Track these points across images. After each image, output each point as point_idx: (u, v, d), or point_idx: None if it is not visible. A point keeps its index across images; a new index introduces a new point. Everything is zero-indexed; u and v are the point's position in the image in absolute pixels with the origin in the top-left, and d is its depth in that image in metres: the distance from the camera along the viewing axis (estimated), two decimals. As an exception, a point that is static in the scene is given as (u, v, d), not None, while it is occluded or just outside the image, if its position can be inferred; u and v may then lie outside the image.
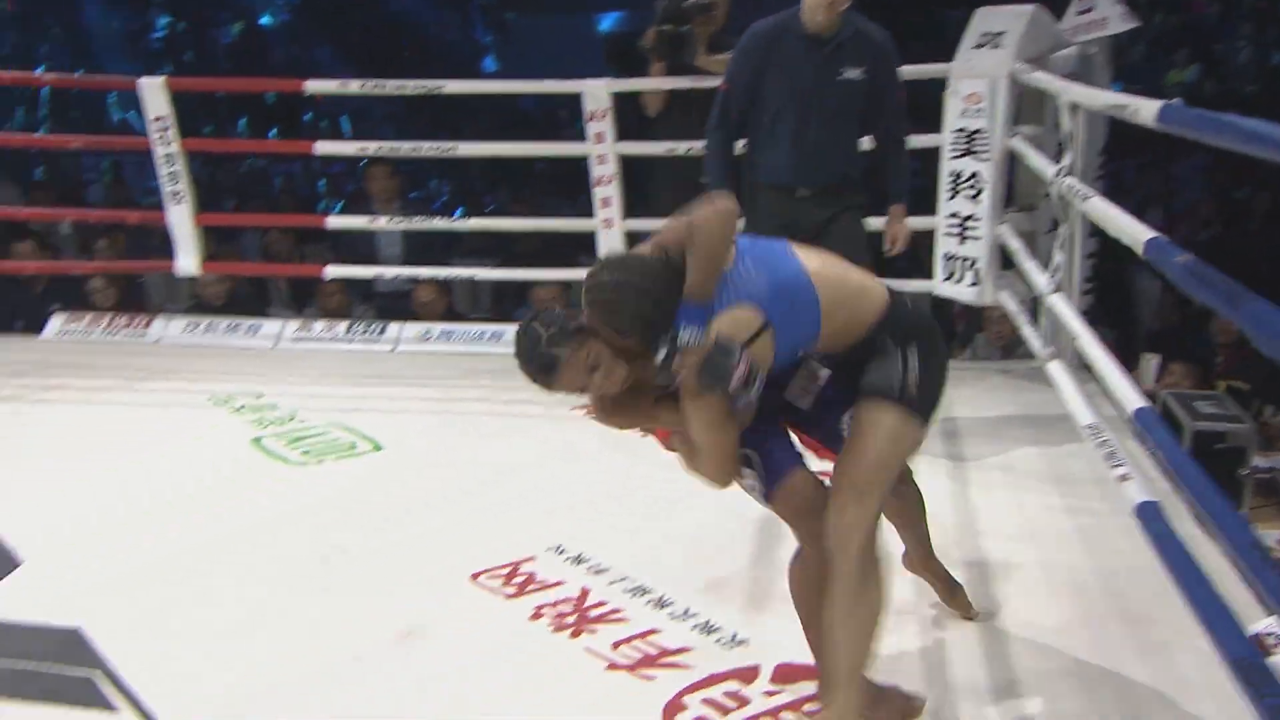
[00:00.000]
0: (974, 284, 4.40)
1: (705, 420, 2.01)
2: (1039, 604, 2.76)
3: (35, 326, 5.94)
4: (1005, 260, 4.41)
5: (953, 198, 4.44)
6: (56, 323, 5.92)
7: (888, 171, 3.85)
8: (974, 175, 4.34)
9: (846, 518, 2.02)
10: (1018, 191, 4.63)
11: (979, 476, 3.66)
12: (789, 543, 3.19)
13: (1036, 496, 3.47)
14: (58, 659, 2.49)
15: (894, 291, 2.15)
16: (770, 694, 2.38)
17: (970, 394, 4.66)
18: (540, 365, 2.08)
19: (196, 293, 6.19)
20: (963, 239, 4.43)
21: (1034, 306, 4.35)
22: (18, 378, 5.06)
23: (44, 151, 10.76)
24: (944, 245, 4.50)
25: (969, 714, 2.32)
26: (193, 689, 2.41)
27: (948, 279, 4.52)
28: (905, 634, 2.59)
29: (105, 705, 2.31)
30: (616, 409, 2.20)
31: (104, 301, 6.02)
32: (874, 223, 3.91)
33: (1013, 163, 4.39)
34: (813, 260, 2.08)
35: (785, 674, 2.46)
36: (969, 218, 4.39)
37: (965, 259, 4.43)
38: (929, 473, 3.48)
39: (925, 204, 4.52)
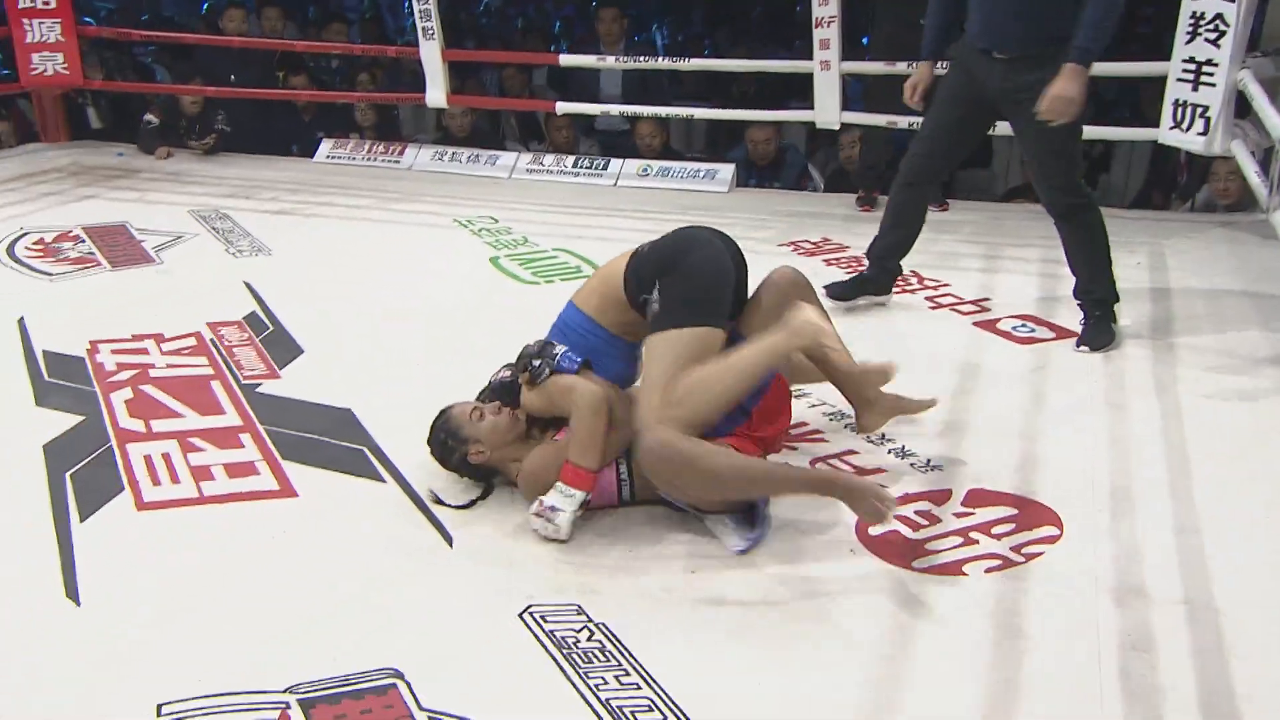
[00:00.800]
0: (1203, 133, 3.96)
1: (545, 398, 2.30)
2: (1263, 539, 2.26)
3: (307, 150, 6.30)
4: (1240, 108, 3.93)
5: (1190, 40, 3.95)
6: (325, 147, 6.25)
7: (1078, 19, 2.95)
8: (1217, 16, 3.83)
9: (640, 408, 2.21)
10: (1264, 35, 4.07)
11: (1189, 365, 3.35)
12: (986, 377, 3.15)
13: (1252, 381, 3.14)
14: (335, 434, 2.73)
15: (635, 251, 2.35)
16: (960, 515, 2.35)
17: (1186, 248, 4.29)
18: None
19: (443, 124, 6.37)
20: (1196, 85, 3.95)
21: (1267, 157, 3.89)
22: (294, 194, 5.41)
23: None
24: (1174, 91, 4.03)
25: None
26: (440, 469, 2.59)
27: (1174, 127, 4.08)
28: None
29: (375, 476, 2.54)
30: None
31: (365, 120, 6.29)
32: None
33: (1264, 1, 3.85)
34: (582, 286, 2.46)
35: (976, 498, 2.42)
36: (1206, 62, 3.90)
37: (1197, 106, 3.97)
38: (1134, 354, 3.26)
39: (1154, 48, 4.06)
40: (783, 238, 4.63)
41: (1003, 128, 3.51)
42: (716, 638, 1.95)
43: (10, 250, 4.36)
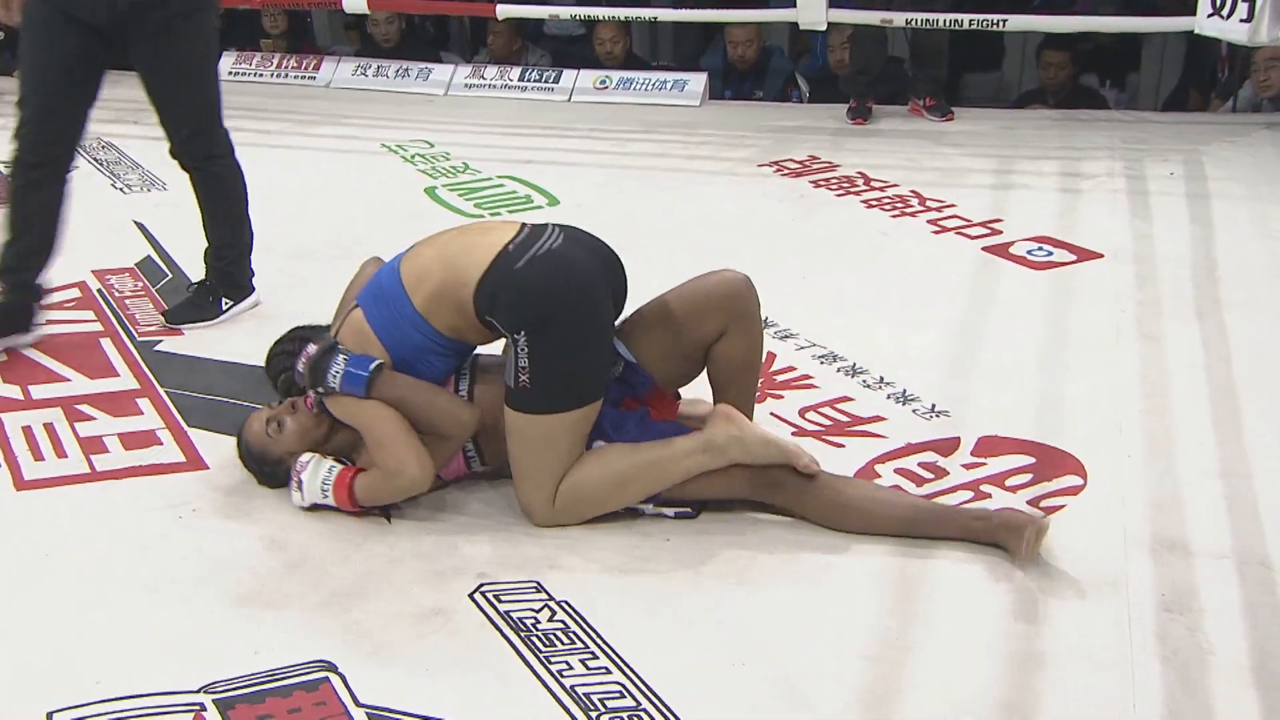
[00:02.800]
0: (1246, 19, 3.94)
1: (349, 415, 2.19)
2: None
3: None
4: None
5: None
6: (227, 62, 6.10)
7: None
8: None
9: (521, 500, 2.20)
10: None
11: (1233, 287, 3.33)
12: (999, 309, 3.15)
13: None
14: (248, 396, 2.67)
15: (504, 253, 2.12)
16: (970, 466, 2.37)
17: (1227, 154, 4.31)
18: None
19: (366, 32, 6.24)
20: (1240, -33, 3.94)
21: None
22: (193, 119, 5.28)
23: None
24: (1215, -25, 4.02)
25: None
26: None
27: (1213, 14, 4.07)
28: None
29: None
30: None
31: (274, 28, 6.15)
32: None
33: None
34: (416, 248, 2.24)
35: (988, 446, 2.43)
36: (1252, -59, 3.88)
37: (1240, -10, 3.95)
38: (1170, 276, 3.26)
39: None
40: (763, 157, 4.61)
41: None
42: (695, 615, 1.95)
43: None
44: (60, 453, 2.48)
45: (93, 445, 2.50)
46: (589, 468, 2.16)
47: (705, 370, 2.32)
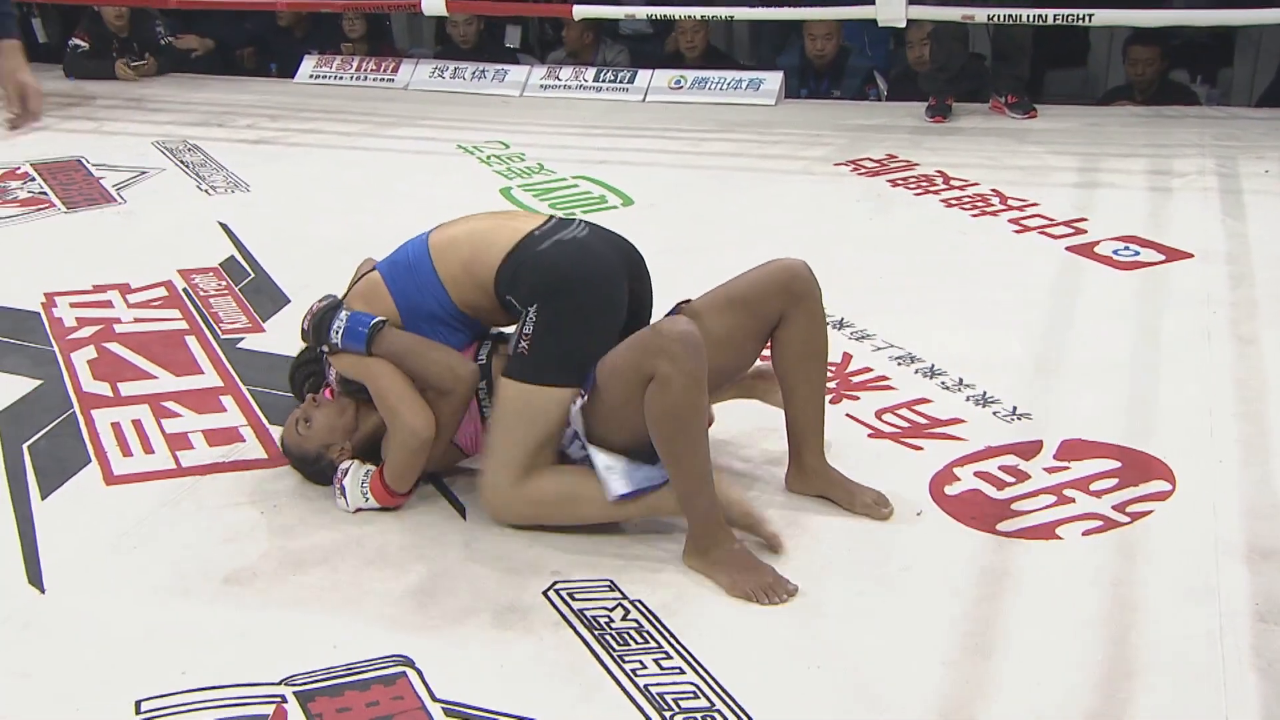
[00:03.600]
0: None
1: (355, 372, 2.24)
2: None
3: (288, 69, 6.30)
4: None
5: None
6: (308, 65, 6.24)
7: None
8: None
9: (483, 480, 2.19)
10: None
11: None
12: (1083, 309, 3.10)
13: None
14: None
15: (530, 235, 2.19)
16: (1053, 470, 2.32)
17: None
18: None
19: (445, 34, 6.32)
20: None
21: None
22: (274, 121, 5.41)
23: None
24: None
25: None
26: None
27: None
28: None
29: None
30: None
31: (353, 32, 6.26)
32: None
33: None
34: (446, 226, 2.31)
35: (1072, 450, 2.38)
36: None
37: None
38: (1266, 278, 3.18)
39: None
40: (840, 155, 4.57)
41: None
42: (769, 616, 1.95)
43: (-48, 193, 4.40)
44: (147, 448, 2.55)
45: (178, 441, 2.57)
46: (562, 473, 2.16)
47: (772, 364, 2.29)
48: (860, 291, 3.25)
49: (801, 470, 2.28)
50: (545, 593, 2.02)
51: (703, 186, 4.34)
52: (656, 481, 2.09)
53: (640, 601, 1.99)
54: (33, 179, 4.56)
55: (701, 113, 5.35)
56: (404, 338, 2.22)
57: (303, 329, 2.29)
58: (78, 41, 6.21)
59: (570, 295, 2.13)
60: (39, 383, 2.85)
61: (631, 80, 5.71)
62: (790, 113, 5.31)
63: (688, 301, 2.30)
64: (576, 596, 2.01)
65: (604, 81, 5.75)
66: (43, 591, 2.07)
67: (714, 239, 3.77)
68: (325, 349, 2.25)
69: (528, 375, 2.12)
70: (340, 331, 2.20)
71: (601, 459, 2.11)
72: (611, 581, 2.04)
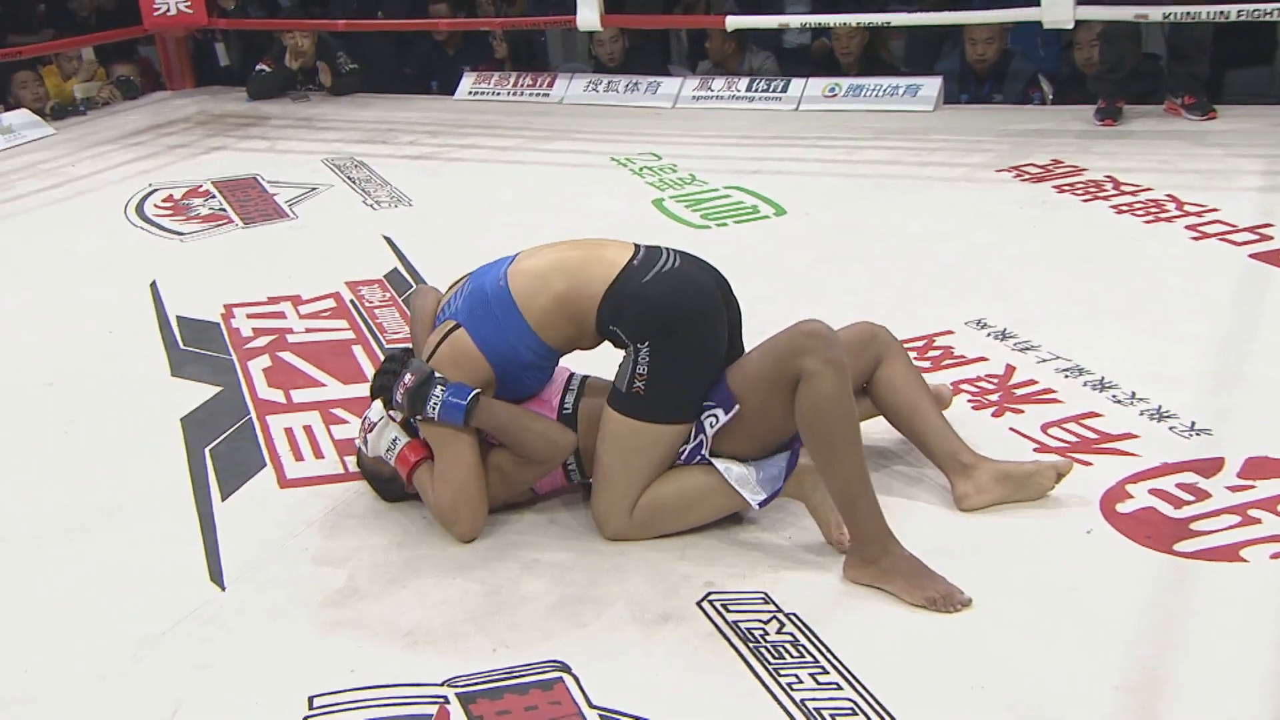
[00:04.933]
0: None
1: (433, 439, 2.24)
2: None
3: (448, 87, 6.51)
4: None
5: None
6: (467, 82, 6.43)
7: None
8: None
9: (598, 506, 2.23)
10: None
11: None
12: (1268, 319, 2.94)
13: None
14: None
15: (629, 267, 2.17)
16: (1237, 489, 2.21)
17: None
18: None
19: (594, 52, 6.43)
20: None
21: None
22: (435, 137, 5.61)
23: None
24: None
25: None
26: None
27: None
28: None
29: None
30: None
31: (500, 51, 6.43)
32: None
33: None
34: (525, 259, 2.26)
35: (1258, 468, 2.27)
36: None
37: None
38: None
39: None
40: (1002, 162, 4.46)
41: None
42: (930, 633, 1.91)
43: (140, 209, 4.70)
44: (318, 453, 2.67)
45: (347, 447, 2.68)
46: (669, 483, 2.18)
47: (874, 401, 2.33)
48: (1024, 301, 3.17)
49: (969, 473, 2.24)
50: (699, 603, 2.03)
51: (858, 195, 4.30)
52: (785, 473, 2.15)
53: (795, 614, 1.98)
54: (213, 196, 4.83)
55: (857, 120, 5.30)
56: (501, 411, 2.21)
57: (394, 399, 2.20)
58: (263, 66, 6.57)
59: (683, 333, 2.13)
60: (219, 389, 3.02)
61: (785, 89, 5.69)
62: (949, 119, 5.21)
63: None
64: (731, 608, 2.01)
65: (757, 91, 5.74)
66: (223, 589, 2.19)
67: (869, 248, 3.73)
68: (418, 419, 2.22)
69: (646, 415, 2.14)
70: (438, 406, 2.16)
71: (734, 471, 2.15)
72: (766, 594, 2.04)
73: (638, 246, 2.26)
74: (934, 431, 2.27)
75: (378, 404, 2.33)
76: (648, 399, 2.13)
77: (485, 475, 2.26)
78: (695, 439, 2.17)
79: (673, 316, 2.13)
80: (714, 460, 2.16)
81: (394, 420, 2.32)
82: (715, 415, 2.15)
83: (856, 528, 2.04)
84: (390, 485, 2.40)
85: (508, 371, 2.23)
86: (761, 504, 2.15)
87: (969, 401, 2.66)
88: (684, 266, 2.21)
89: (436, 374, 2.20)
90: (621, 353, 2.19)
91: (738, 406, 2.12)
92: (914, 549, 2.05)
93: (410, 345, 2.53)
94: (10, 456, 2.74)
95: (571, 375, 2.38)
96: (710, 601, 2.03)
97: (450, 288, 2.40)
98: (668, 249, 2.26)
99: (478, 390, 2.19)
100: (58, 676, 1.96)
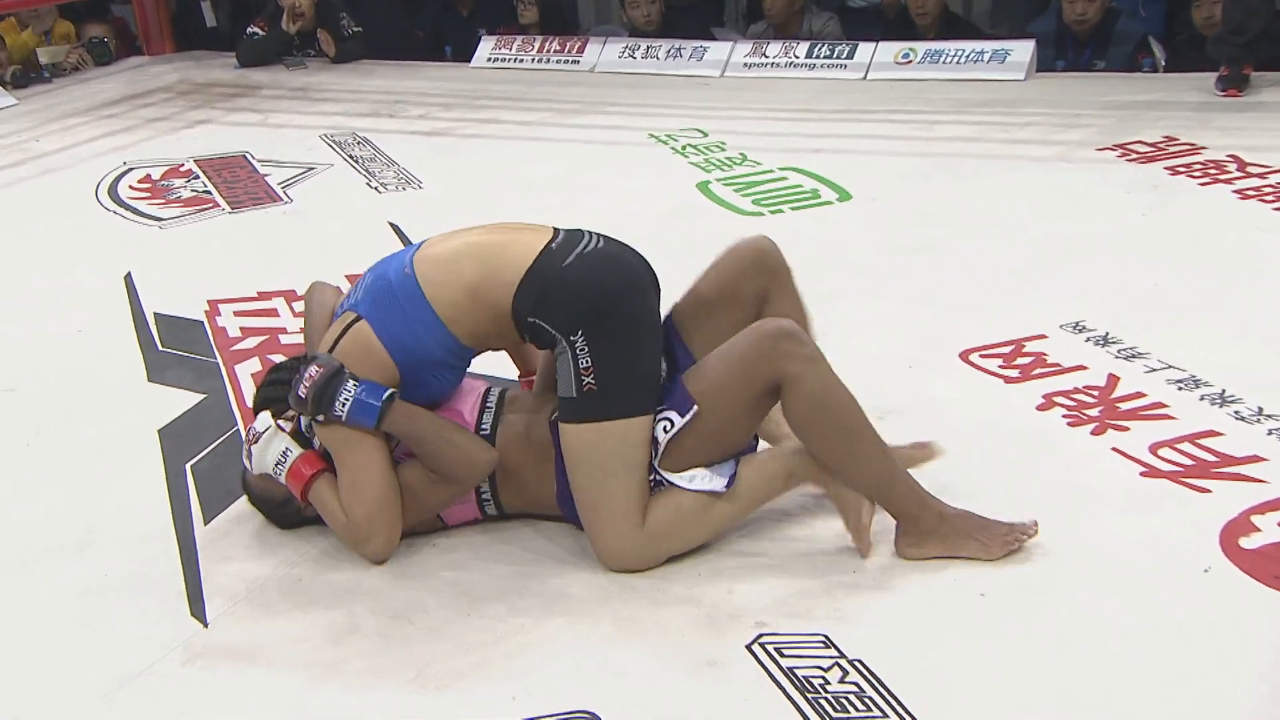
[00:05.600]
0: None
1: (336, 446, 2.25)
2: None
3: (465, 53, 6.55)
4: None
5: None
6: (486, 48, 6.48)
7: None
8: None
9: (600, 539, 2.23)
10: None
11: None
12: None
13: None
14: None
15: (547, 250, 2.20)
16: (1383, 525, 2.19)
17: None
18: None
19: (627, 14, 6.46)
20: None
21: None
22: (448, 110, 5.65)
23: None
24: None
25: None
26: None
27: None
28: None
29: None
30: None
31: (526, 17, 6.48)
32: None
33: None
34: (432, 245, 2.29)
35: None
36: None
37: None
38: None
39: None
40: (1104, 139, 4.45)
41: None
42: (1021, 685, 1.90)
43: (113, 191, 4.79)
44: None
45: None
46: (675, 495, 2.21)
47: None
48: (1130, 301, 3.15)
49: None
50: (749, 646, 2.03)
51: (934, 177, 4.29)
52: (741, 454, 2.25)
53: (860, 661, 1.97)
54: (196, 176, 4.91)
55: (934, 91, 5.29)
56: (419, 418, 2.23)
57: (297, 395, 2.20)
58: (255, 29, 6.65)
59: (618, 316, 2.17)
60: (202, 397, 3.06)
61: (850, 55, 5.69)
62: (1043, 88, 5.19)
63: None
64: (785, 652, 2.01)
65: (818, 57, 5.75)
66: (205, 624, 2.21)
67: (947, 238, 3.73)
68: (320, 420, 2.21)
69: (609, 411, 2.16)
70: (348, 404, 2.16)
71: (682, 478, 2.21)
72: (827, 637, 2.04)
73: (556, 230, 2.29)
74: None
75: (264, 415, 2.36)
76: (602, 394, 2.16)
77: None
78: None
79: (604, 299, 2.16)
80: (661, 471, 2.22)
81: (283, 430, 2.34)
82: (669, 419, 2.19)
83: (901, 507, 2.16)
84: (284, 510, 2.42)
85: (414, 371, 2.26)
86: (728, 487, 2.22)
87: (1064, 417, 2.65)
88: (607, 247, 2.26)
89: (346, 369, 2.20)
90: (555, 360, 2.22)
91: (696, 408, 2.16)
92: (993, 585, 2.04)
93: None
94: (-34, 471, 2.80)
95: (489, 390, 2.40)
96: (762, 644, 2.03)
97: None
98: (590, 231, 2.29)
99: (393, 390, 2.20)
100: (21, 717, 1.99)
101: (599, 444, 2.18)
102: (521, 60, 6.36)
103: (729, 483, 2.22)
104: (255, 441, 2.36)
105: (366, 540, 2.28)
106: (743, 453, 2.28)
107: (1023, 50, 5.36)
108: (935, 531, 2.13)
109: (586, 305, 2.16)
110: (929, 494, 2.16)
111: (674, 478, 2.21)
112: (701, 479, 2.22)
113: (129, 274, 3.88)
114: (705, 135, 4.98)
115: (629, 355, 2.16)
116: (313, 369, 2.19)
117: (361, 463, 2.23)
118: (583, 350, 2.15)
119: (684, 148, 4.86)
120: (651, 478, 2.22)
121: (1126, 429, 2.58)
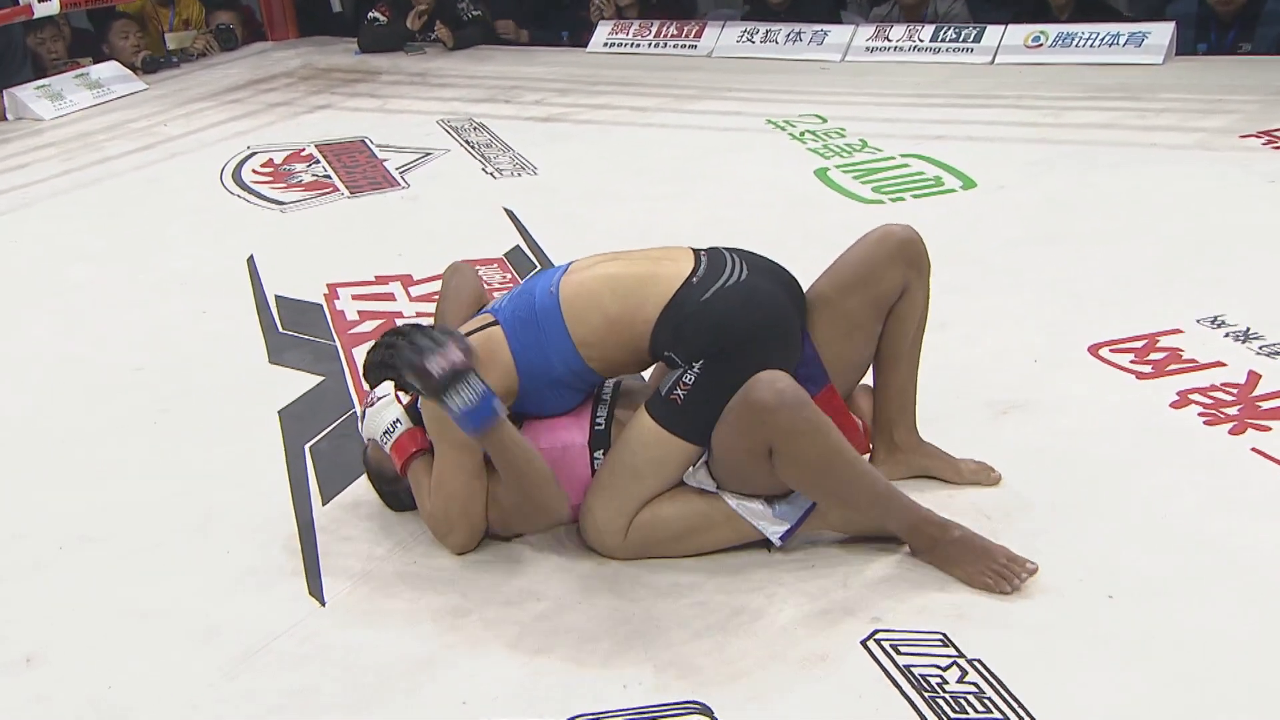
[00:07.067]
0: None
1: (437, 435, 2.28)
2: None
3: (581, 39, 6.60)
4: None
5: None
6: (602, 32, 6.51)
7: None
8: None
9: (598, 515, 2.28)
10: None
11: None
12: None
13: None
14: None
15: (688, 284, 2.22)
16: None
17: None
18: None
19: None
20: None
21: None
22: (564, 95, 5.70)
23: None
24: None
25: None
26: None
27: None
28: None
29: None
30: None
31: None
32: None
33: None
34: (578, 270, 2.32)
35: None
36: None
37: None
38: None
39: None
40: (1249, 126, 4.32)
41: None
42: (1152, 695, 1.87)
43: (236, 175, 4.92)
44: (428, 453, 2.75)
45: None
46: (671, 503, 2.27)
47: (881, 337, 2.39)
48: (1274, 295, 3.06)
49: (894, 450, 2.45)
50: (864, 642, 2.02)
51: (1065, 165, 4.21)
52: (806, 505, 2.25)
53: (980, 661, 1.95)
54: (317, 161, 5.02)
55: (1066, 75, 5.18)
56: (512, 450, 2.20)
57: (425, 368, 2.11)
58: (377, 15, 6.78)
59: (738, 361, 2.19)
60: (320, 379, 3.14)
61: (978, 39, 5.60)
62: (1183, 73, 5.06)
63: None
64: (902, 650, 2.00)
65: (944, 41, 5.67)
66: (323, 604, 2.27)
67: (1076, 228, 3.65)
68: (433, 400, 2.16)
69: (675, 426, 2.22)
70: (462, 403, 2.11)
71: (747, 506, 2.25)
72: (945, 635, 2.02)
73: (699, 257, 2.30)
74: (899, 397, 2.44)
75: (387, 384, 2.40)
76: (682, 411, 2.22)
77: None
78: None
79: (732, 340, 2.21)
80: (725, 494, 2.25)
81: (400, 402, 2.40)
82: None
83: (899, 532, 2.21)
84: (395, 489, 2.46)
85: (534, 385, 2.30)
86: (783, 538, 2.25)
87: (1200, 415, 2.59)
88: (751, 279, 2.25)
89: (477, 371, 2.17)
90: None
91: (713, 458, 2.24)
92: (1122, 588, 2.00)
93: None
94: (97, 448, 2.90)
95: (603, 382, 2.41)
96: (877, 640, 2.02)
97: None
98: (735, 256, 2.29)
99: (501, 417, 2.18)
100: (144, 694, 2.06)
101: (652, 445, 2.25)
102: (638, 45, 6.38)
103: (789, 531, 2.26)
104: (371, 405, 2.43)
105: (447, 534, 2.35)
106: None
107: (1161, 32, 5.22)
108: (931, 550, 2.18)
109: (714, 342, 2.20)
110: (931, 520, 2.17)
111: (733, 500, 2.26)
112: (754, 512, 2.26)
113: (251, 257, 3.99)
114: (824, 121, 4.94)
115: (727, 394, 2.18)
116: (457, 355, 2.14)
117: (454, 459, 2.29)
118: (693, 371, 2.21)
119: (803, 133, 4.83)
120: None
121: (1268, 429, 2.51)
